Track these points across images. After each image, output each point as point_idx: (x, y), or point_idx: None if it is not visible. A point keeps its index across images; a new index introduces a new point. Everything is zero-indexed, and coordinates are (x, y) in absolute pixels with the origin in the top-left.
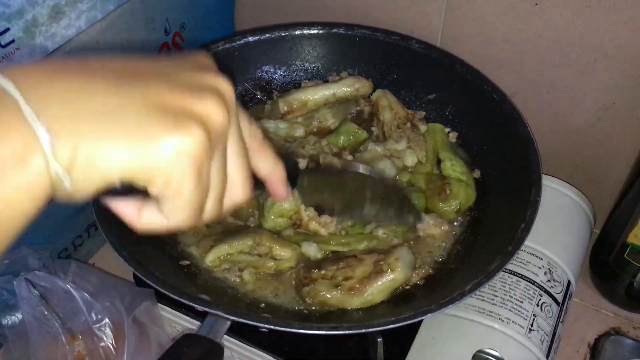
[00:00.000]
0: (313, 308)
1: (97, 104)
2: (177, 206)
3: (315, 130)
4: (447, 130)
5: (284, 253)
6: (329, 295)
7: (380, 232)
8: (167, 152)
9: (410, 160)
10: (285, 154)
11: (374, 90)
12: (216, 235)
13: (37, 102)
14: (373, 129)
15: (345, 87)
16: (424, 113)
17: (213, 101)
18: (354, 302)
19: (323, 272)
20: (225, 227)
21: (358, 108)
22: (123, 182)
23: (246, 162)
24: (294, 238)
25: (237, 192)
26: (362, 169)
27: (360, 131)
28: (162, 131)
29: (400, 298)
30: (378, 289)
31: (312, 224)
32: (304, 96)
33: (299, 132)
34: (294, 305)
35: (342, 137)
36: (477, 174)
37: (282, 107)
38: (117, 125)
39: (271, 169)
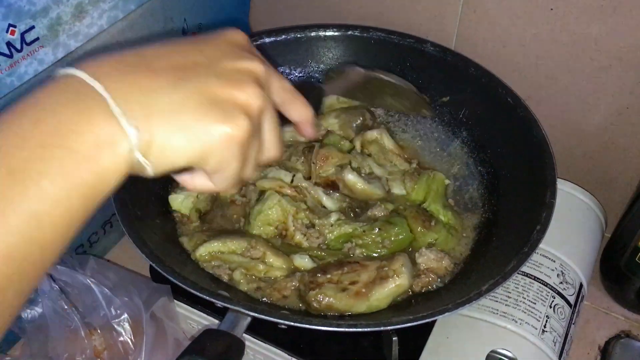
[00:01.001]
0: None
1: (164, 103)
2: (224, 177)
3: (321, 138)
4: (447, 182)
5: (276, 262)
6: (335, 300)
7: (357, 252)
8: (219, 140)
9: (397, 189)
10: (311, 84)
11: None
12: (212, 232)
13: (121, 101)
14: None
15: None
16: (416, 161)
17: (251, 88)
18: (360, 307)
19: (329, 276)
20: (223, 227)
21: (362, 119)
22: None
23: (278, 125)
24: (281, 248)
25: (271, 151)
26: (382, 75)
27: (343, 141)
28: (216, 124)
29: (418, 297)
30: (384, 295)
31: (297, 235)
32: None
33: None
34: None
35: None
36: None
37: None
38: (180, 121)
39: (301, 115)
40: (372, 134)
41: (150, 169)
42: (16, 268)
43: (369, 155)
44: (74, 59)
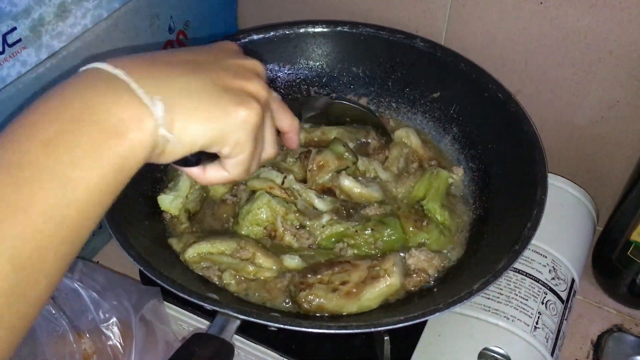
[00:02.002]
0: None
1: (183, 87)
2: (238, 161)
3: (315, 139)
4: (450, 180)
5: (265, 263)
6: (326, 301)
7: (349, 252)
8: (236, 121)
9: (398, 189)
10: (291, 101)
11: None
12: (201, 233)
13: (143, 84)
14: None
15: None
16: (435, 162)
17: (258, 81)
18: (351, 307)
19: (319, 276)
20: (213, 227)
21: (366, 140)
22: (201, 150)
23: (274, 128)
24: (271, 248)
25: (270, 148)
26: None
27: (346, 154)
28: (233, 106)
29: (410, 295)
30: (375, 294)
31: (287, 236)
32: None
33: (300, 136)
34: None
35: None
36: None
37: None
38: (200, 102)
39: (290, 124)
40: (401, 133)
41: (174, 145)
42: (55, 229)
43: (386, 158)
44: (59, 60)
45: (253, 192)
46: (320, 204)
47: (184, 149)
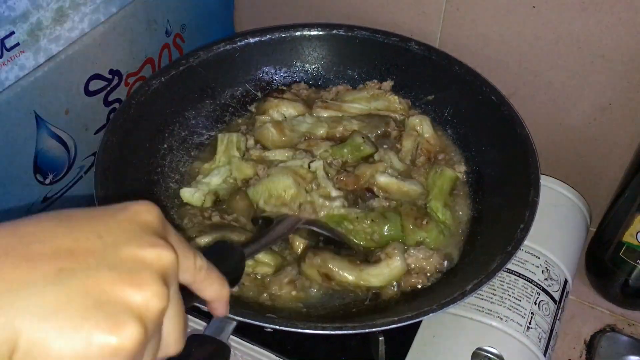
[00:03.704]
0: (313, 291)
1: (35, 302)
2: None
3: (337, 135)
4: (454, 177)
5: (264, 257)
6: (332, 266)
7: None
8: (99, 353)
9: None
10: (231, 247)
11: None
12: (204, 227)
13: None
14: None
15: (386, 102)
16: (443, 155)
17: (152, 285)
18: (353, 273)
19: (319, 259)
20: (214, 222)
21: (386, 129)
22: None
23: (183, 319)
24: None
25: (171, 347)
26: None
27: (364, 146)
28: (97, 331)
29: (404, 295)
30: (375, 273)
31: (295, 242)
32: (346, 105)
33: (321, 131)
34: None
35: (346, 149)
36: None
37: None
38: (51, 325)
39: (217, 294)
40: (414, 120)
41: None
42: None
43: (400, 150)
44: (57, 64)
45: None
46: (335, 193)
47: None
